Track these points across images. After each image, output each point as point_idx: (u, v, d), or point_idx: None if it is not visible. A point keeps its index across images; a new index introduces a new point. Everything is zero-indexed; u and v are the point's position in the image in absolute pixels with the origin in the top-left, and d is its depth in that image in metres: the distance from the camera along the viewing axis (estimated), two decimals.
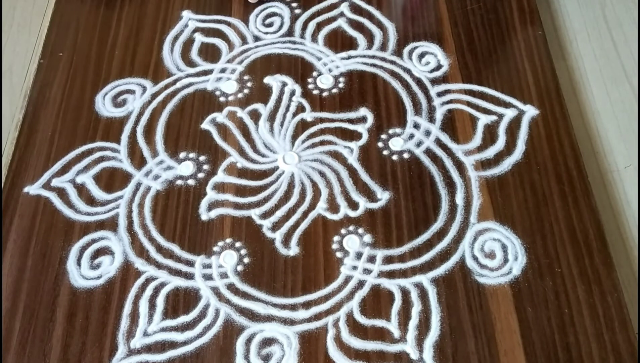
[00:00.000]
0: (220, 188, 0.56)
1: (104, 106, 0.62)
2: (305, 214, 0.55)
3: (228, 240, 0.53)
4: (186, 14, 0.69)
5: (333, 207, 0.55)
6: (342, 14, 0.69)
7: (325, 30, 0.67)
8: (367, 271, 0.51)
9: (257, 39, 0.67)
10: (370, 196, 0.55)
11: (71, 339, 0.48)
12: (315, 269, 0.52)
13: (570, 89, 0.64)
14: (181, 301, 0.50)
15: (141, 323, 0.49)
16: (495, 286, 0.50)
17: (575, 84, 0.65)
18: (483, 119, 0.60)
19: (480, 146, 0.58)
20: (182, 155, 0.58)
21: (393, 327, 0.49)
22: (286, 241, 0.53)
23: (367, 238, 0.53)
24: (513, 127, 0.59)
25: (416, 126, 0.60)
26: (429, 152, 0.58)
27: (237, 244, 0.53)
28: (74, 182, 0.57)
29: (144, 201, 0.56)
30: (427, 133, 0.59)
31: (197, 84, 0.63)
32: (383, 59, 0.65)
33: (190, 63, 0.65)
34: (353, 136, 0.59)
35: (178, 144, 0.59)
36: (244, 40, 0.67)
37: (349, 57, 0.65)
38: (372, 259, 0.52)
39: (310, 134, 0.60)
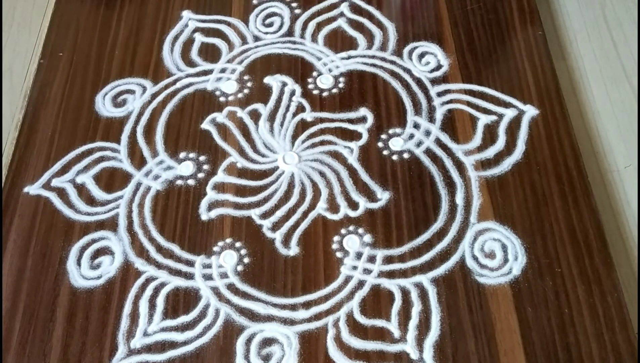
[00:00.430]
0: (220, 188, 0.56)
1: (104, 106, 0.62)
2: (305, 214, 0.55)
3: (228, 240, 0.53)
4: (186, 14, 0.69)
5: (333, 207, 0.55)
6: (342, 14, 0.69)
7: (325, 30, 0.67)
8: (367, 271, 0.51)
9: (257, 39, 0.67)
10: (370, 196, 0.55)
11: (71, 339, 0.48)
12: (315, 269, 0.52)
13: (570, 89, 0.64)
14: (181, 301, 0.50)
15: (141, 323, 0.49)
16: (495, 286, 0.50)
17: (575, 84, 0.65)
18: (483, 119, 0.60)
19: (480, 146, 0.58)
20: (182, 155, 0.58)
21: (393, 326, 0.49)
22: (286, 241, 0.53)
23: (367, 238, 0.53)
24: (513, 127, 0.59)
25: (416, 126, 0.60)
26: (429, 152, 0.58)
27: (237, 244, 0.53)
28: (74, 182, 0.57)
29: (144, 201, 0.56)
30: (427, 133, 0.59)
31: (197, 84, 0.63)
32: (383, 59, 0.65)
33: (190, 63, 0.65)
34: (353, 136, 0.59)
35: (178, 144, 0.59)
36: (244, 41, 0.67)
37: (349, 57, 0.65)
38: (372, 259, 0.52)
39: (310, 134, 0.60)
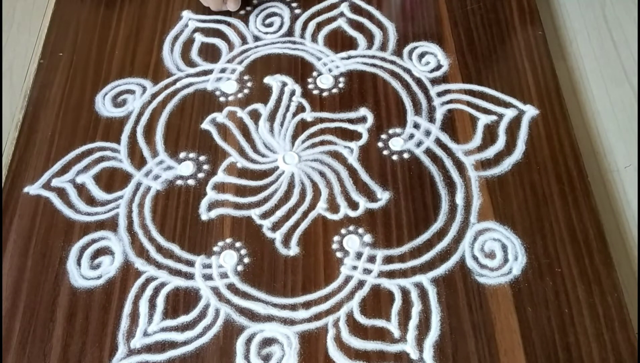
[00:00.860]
0: (220, 188, 0.56)
1: (104, 106, 0.62)
2: (305, 214, 0.55)
3: (228, 240, 0.53)
4: (186, 14, 0.69)
5: (333, 207, 0.55)
6: (342, 14, 0.69)
7: (325, 30, 0.67)
8: (367, 271, 0.51)
9: (257, 39, 0.67)
10: (370, 196, 0.55)
11: (71, 339, 0.48)
12: (315, 269, 0.52)
13: (570, 89, 0.64)
14: (181, 301, 0.50)
15: (141, 323, 0.49)
16: (495, 286, 0.50)
17: (575, 84, 0.65)
18: (483, 119, 0.60)
19: (480, 146, 0.58)
20: (182, 155, 0.58)
21: (393, 326, 0.49)
22: (286, 241, 0.53)
23: (367, 238, 0.53)
24: (513, 127, 0.59)
25: (416, 126, 0.60)
26: (429, 152, 0.58)
27: (237, 244, 0.53)
28: (74, 182, 0.57)
29: (144, 201, 0.56)
30: (427, 133, 0.59)
31: (197, 84, 0.63)
32: (383, 59, 0.65)
33: (190, 63, 0.65)
34: (353, 136, 0.59)
35: (178, 144, 0.59)
36: (244, 41, 0.67)
37: (349, 57, 0.65)
38: (372, 259, 0.52)
39: (310, 134, 0.60)
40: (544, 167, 0.56)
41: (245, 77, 0.64)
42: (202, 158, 0.58)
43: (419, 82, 0.63)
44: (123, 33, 0.67)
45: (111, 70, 0.64)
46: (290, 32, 0.67)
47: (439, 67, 0.64)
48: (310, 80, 0.63)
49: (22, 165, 0.58)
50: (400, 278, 0.51)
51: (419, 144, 0.59)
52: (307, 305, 0.50)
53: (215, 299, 0.50)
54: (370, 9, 0.69)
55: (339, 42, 0.66)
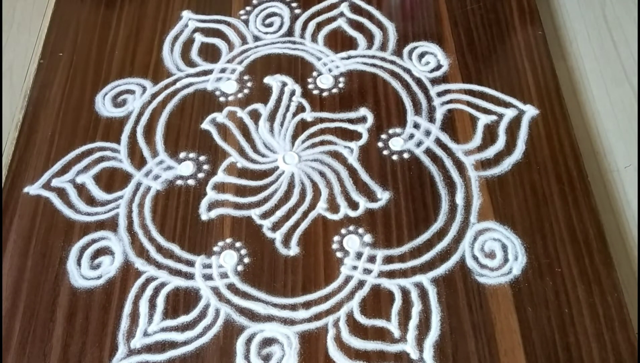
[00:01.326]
0: (220, 188, 0.56)
1: (104, 106, 0.62)
2: (305, 214, 0.55)
3: (228, 240, 0.53)
4: (186, 14, 0.69)
5: (333, 207, 0.55)
6: (342, 14, 0.69)
7: (325, 30, 0.67)
8: (367, 271, 0.51)
9: (257, 39, 0.67)
10: (370, 196, 0.55)
11: (71, 339, 0.48)
12: (315, 269, 0.52)
13: (570, 89, 0.64)
14: (181, 301, 0.50)
15: (141, 323, 0.49)
16: (495, 286, 0.50)
17: (575, 84, 0.65)
18: (483, 119, 0.60)
19: (480, 146, 0.58)
20: (182, 155, 0.58)
21: (393, 326, 0.49)
22: (286, 241, 0.53)
23: (367, 238, 0.53)
24: (513, 127, 0.59)
25: (416, 126, 0.60)
26: (429, 152, 0.58)
27: (237, 244, 0.53)
28: (74, 182, 0.57)
29: (144, 201, 0.56)
30: (427, 133, 0.59)
31: (197, 84, 0.63)
32: (383, 59, 0.65)
33: (190, 63, 0.65)
34: (353, 136, 0.59)
35: (178, 144, 0.59)
36: (243, 41, 0.67)
37: (349, 57, 0.65)
38: (372, 259, 0.52)
39: (310, 134, 0.60)
40: (544, 167, 0.56)
41: (245, 77, 0.64)
42: (202, 158, 0.58)
43: (419, 82, 0.63)
44: (123, 33, 0.67)
45: (111, 70, 0.64)
46: (290, 32, 0.67)
47: (439, 67, 0.64)
48: (310, 80, 0.63)
49: (22, 165, 0.58)
50: (400, 278, 0.51)
51: (419, 144, 0.59)
52: (307, 305, 0.50)
53: (216, 299, 0.50)
54: (370, 9, 0.69)
55: (339, 42, 0.66)
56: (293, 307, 0.50)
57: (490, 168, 0.57)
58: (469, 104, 0.61)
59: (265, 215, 0.55)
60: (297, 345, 0.48)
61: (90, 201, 0.56)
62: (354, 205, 0.55)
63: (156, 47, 0.66)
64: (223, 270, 0.52)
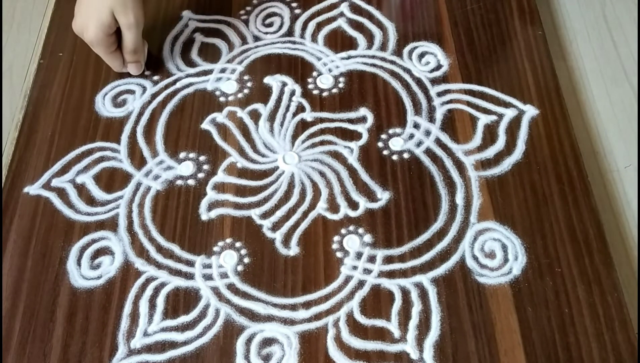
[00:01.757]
0: (220, 188, 0.56)
1: (104, 106, 0.62)
2: (305, 214, 0.55)
3: (228, 240, 0.53)
4: (186, 14, 0.69)
5: (333, 207, 0.55)
6: (342, 14, 0.69)
7: (325, 30, 0.67)
8: (367, 271, 0.51)
9: (257, 39, 0.67)
10: (370, 196, 0.55)
11: (71, 339, 0.48)
12: (315, 269, 0.52)
13: (570, 89, 0.64)
14: (181, 302, 0.50)
15: (141, 323, 0.49)
16: (495, 286, 0.50)
17: (575, 84, 0.65)
18: (483, 119, 0.60)
19: (480, 146, 0.58)
20: (182, 155, 0.58)
21: (393, 326, 0.49)
22: (286, 241, 0.53)
23: (367, 238, 0.53)
24: (513, 127, 0.59)
25: (416, 126, 0.60)
26: (429, 152, 0.58)
27: (237, 244, 0.53)
28: (74, 182, 0.57)
29: (144, 201, 0.56)
30: (427, 133, 0.59)
31: (197, 84, 0.63)
32: (383, 59, 0.65)
33: (190, 63, 0.65)
34: (353, 136, 0.59)
35: (178, 144, 0.59)
36: (243, 41, 0.67)
37: (349, 57, 0.65)
38: (372, 259, 0.52)
39: (310, 134, 0.60)
40: (544, 167, 0.57)
41: (245, 77, 0.64)
42: (202, 158, 0.58)
43: (419, 82, 0.63)
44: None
45: (111, 70, 0.64)
46: (290, 32, 0.67)
47: (439, 67, 0.64)
48: (310, 80, 0.63)
49: (22, 165, 0.58)
50: (400, 278, 0.51)
51: (419, 144, 0.59)
52: (307, 305, 0.50)
53: (216, 299, 0.50)
54: (370, 9, 0.69)
55: (339, 42, 0.66)
56: (293, 307, 0.50)
57: (490, 168, 0.57)
58: (469, 104, 0.61)
59: (265, 215, 0.55)
60: (297, 345, 0.48)
61: (90, 201, 0.56)
62: (354, 205, 0.55)
63: (156, 47, 0.66)
64: (223, 270, 0.52)
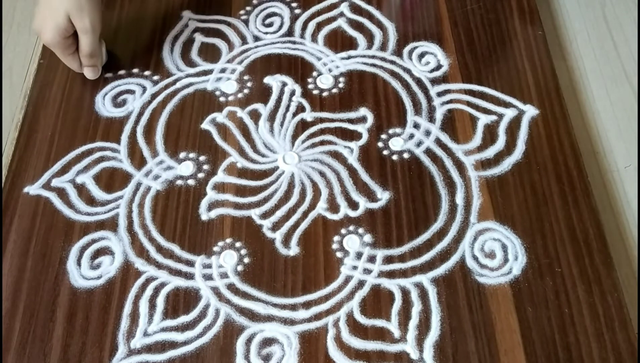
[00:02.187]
0: (220, 188, 0.56)
1: (104, 106, 0.62)
2: (305, 214, 0.55)
3: (228, 240, 0.53)
4: (186, 14, 0.69)
5: (333, 207, 0.55)
6: (342, 14, 0.69)
7: (325, 30, 0.67)
8: (367, 271, 0.51)
9: (257, 39, 0.67)
10: (370, 196, 0.55)
11: (71, 339, 0.48)
12: (315, 269, 0.52)
13: (570, 89, 0.64)
14: (181, 301, 0.50)
15: (141, 323, 0.49)
16: (496, 286, 0.50)
17: (575, 84, 0.65)
18: (483, 119, 0.60)
19: (480, 146, 0.58)
20: (182, 155, 0.58)
21: (393, 326, 0.49)
22: (286, 241, 0.53)
23: (367, 238, 0.53)
24: (513, 127, 0.59)
25: (416, 126, 0.60)
26: (429, 152, 0.58)
27: (237, 244, 0.53)
28: (74, 182, 0.57)
29: (144, 201, 0.56)
30: (427, 133, 0.59)
31: (197, 84, 0.63)
32: (383, 59, 0.65)
33: (190, 63, 0.65)
34: (353, 136, 0.59)
35: (178, 144, 0.59)
36: (243, 41, 0.67)
37: (349, 57, 0.65)
38: (372, 259, 0.52)
39: (310, 134, 0.60)
40: (544, 167, 0.57)
41: (245, 77, 0.64)
42: (202, 158, 0.58)
43: (419, 82, 0.63)
44: (123, 33, 0.67)
45: (111, 70, 0.64)
46: (290, 32, 0.67)
47: (439, 67, 0.64)
48: (310, 80, 0.63)
49: (22, 165, 0.58)
50: (400, 278, 0.51)
51: (419, 144, 0.59)
52: (307, 305, 0.50)
53: (216, 299, 0.50)
54: (370, 9, 0.69)
55: (339, 42, 0.66)
56: (293, 307, 0.50)
57: (490, 168, 0.57)
58: (469, 104, 0.61)
59: (265, 215, 0.55)
60: (297, 345, 0.48)
61: (90, 201, 0.56)
62: (354, 205, 0.55)
63: (156, 47, 0.66)
64: (223, 270, 0.52)
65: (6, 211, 0.55)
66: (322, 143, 0.59)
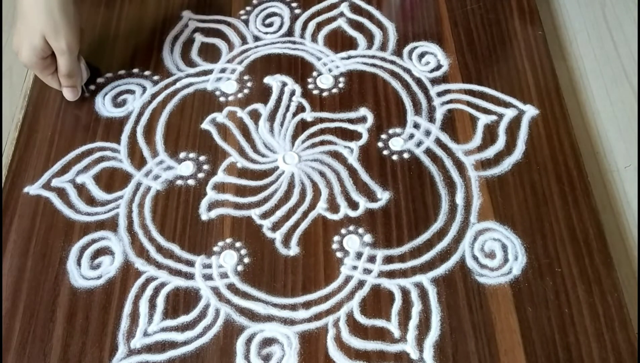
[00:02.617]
0: (220, 188, 0.56)
1: (104, 106, 0.62)
2: (305, 214, 0.55)
3: (228, 240, 0.53)
4: (186, 14, 0.69)
5: (333, 207, 0.55)
6: (342, 14, 0.69)
7: (325, 30, 0.67)
8: (367, 271, 0.51)
9: (257, 39, 0.67)
10: (370, 196, 0.55)
11: (71, 339, 0.48)
12: (315, 269, 0.52)
13: (570, 89, 0.64)
14: (181, 301, 0.50)
15: (141, 323, 0.49)
16: (495, 286, 0.50)
17: (575, 84, 0.65)
18: (483, 119, 0.60)
19: (480, 146, 0.58)
20: (182, 155, 0.58)
21: (393, 326, 0.49)
22: (286, 241, 0.53)
23: (367, 238, 0.53)
24: (513, 127, 0.59)
25: (416, 126, 0.60)
26: (429, 152, 0.58)
27: (237, 244, 0.53)
28: (74, 182, 0.57)
29: (144, 201, 0.56)
30: (427, 133, 0.59)
31: (197, 84, 0.63)
32: (383, 59, 0.65)
33: (190, 63, 0.65)
34: (353, 136, 0.59)
35: (178, 144, 0.59)
36: (243, 41, 0.67)
37: (349, 57, 0.65)
38: (372, 259, 0.52)
39: (310, 134, 0.60)
40: (544, 167, 0.57)
41: (245, 77, 0.64)
42: (202, 158, 0.58)
43: (419, 82, 0.63)
44: (123, 33, 0.67)
45: (112, 69, 0.64)
46: (290, 32, 0.67)
47: (439, 67, 0.64)
48: (310, 80, 0.63)
49: (22, 165, 0.58)
50: (400, 278, 0.51)
51: (419, 144, 0.59)
52: (307, 305, 0.50)
53: (216, 299, 0.50)
54: (370, 9, 0.69)
55: (339, 42, 0.66)
56: (293, 307, 0.50)
57: (490, 168, 0.57)
58: (469, 104, 0.61)
59: (265, 215, 0.55)
60: (297, 345, 0.48)
61: (90, 201, 0.56)
62: (354, 205, 0.55)
63: (156, 47, 0.66)
64: (223, 270, 0.52)
65: (6, 211, 0.55)
66: (322, 143, 0.59)
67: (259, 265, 0.52)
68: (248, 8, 0.70)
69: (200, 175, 0.57)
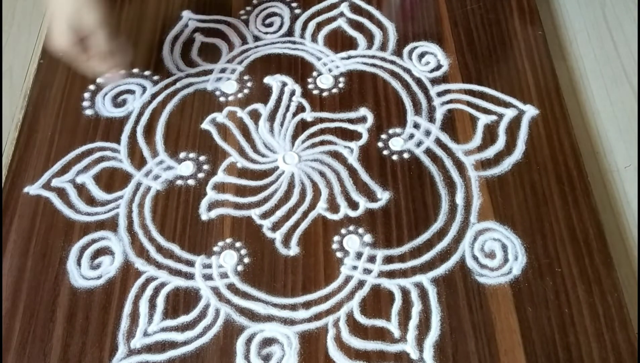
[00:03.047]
0: (220, 188, 0.56)
1: (104, 106, 0.62)
2: (305, 214, 0.55)
3: (228, 240, 0.53)
4: (186, 14, 0.69)
5: (333, 207, 0.55)
6: (342, 14, 0.69)
7: (325, 30, 0.67)
8: (367, 271, 0.51)
9: (257, 39, 0.67)
10: (370, 196, 0.55)
11: (71, 339, 0.48)
12: (315, 269, 0.52)
13: (570, 89, 0.64)
14: (181, 301, 0.50)
15: (141, 323, 0.49)
16: (495, 286, 0.50)
17: (575, 84, 0.65)
18: (483, 119, 0.60)
19: (480, 146, 0.58)
20: (182, 155, 0.58)
21: (393, 326, 0.49)
22: (286, 241, 0.53)
23: (367, 238, 0.53)
24: (513, 127, 0.59)
25: (416, 126, 0.60)
26: (429, 152, 0.58)
27: (237, 244, 0.53)
28: (74, 182, 0.57)
29: (144, 201, 0.56)
30: (427, 133, 0.59)
31: (197, 84, 0.63)
32: (383, 59, 0.65)
33: (190, 63, 0.65)
34: (353, 136, 0.59)
35: (178, 144, 0.59)
36: (243, 41, 0.67)
37: (349, 57, 0.65)
38: (372, 259, 0.52)
39: (310, 134, 0.60)
40: (544, 167, 0.56)
41: (245, 77, 0.64)
42: (202, 158, 0.58)
43: (419, 82, 0.63)
44: (123, 33, 0.67)
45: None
46: (290, 32, 0.67)
47: (439, 67, 0.64)
48: (310, 80, 0.63)
49: (22, 165, 0.58)
50: (400, 278, 0.51)
51: (419, 144, 0.59)
52: (307, 305, 0.50)
53: (216, 299, 0.50)
54: (370, 9, 0.69)
55: (339, 42, 0.66)
56: (293, 307, 0.50)
57: (490, 168, 0.57)
58: (469, 104, 0.61)
59: (265, 215, 0.55)
60: (297, 345, 0.48)
61: (90, 201, 0.56)
62: (354, 205, 0.55)
63: (156, 47, 0.66)
64: (223, 270, 0.52)
65: (6, 211, 0.55)
66: (322, 142, 0.59)
67: (259, 265, 0.52)
68: (248, 8, 0.70)
69: (200, 175, 0.57)
